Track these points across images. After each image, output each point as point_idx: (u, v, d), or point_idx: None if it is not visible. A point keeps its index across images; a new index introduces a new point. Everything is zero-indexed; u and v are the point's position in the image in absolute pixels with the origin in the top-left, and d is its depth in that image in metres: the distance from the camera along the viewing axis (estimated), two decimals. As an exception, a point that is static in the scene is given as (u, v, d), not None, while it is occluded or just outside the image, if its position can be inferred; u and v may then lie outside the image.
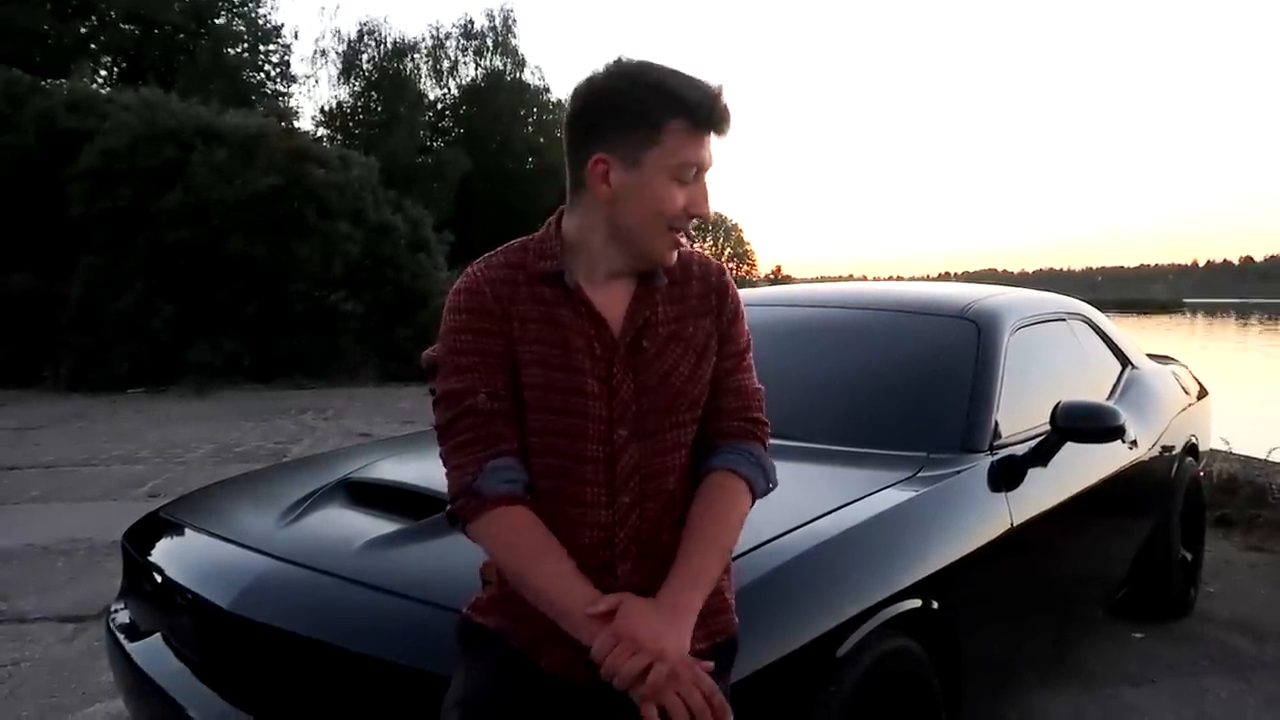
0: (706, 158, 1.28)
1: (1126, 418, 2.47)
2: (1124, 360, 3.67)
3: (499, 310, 1.30)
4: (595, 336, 1.30)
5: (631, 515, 1.30)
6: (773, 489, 1.41)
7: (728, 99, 1.27)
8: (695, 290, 1.38)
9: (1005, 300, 2.95)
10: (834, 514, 1.87)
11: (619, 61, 1.28)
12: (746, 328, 1.44)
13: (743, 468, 1.36)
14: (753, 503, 1.39)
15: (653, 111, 1.24)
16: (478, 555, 1.40)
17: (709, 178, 1.31)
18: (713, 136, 1.28)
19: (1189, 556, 3.80)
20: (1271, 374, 20.81)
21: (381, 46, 31.74)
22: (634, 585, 1.28)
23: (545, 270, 1.32)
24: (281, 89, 26.41)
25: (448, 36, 32.87)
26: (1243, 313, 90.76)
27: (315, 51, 32.22)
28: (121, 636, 2.10)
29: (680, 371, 1.33)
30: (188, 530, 2.19)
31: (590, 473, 1.30)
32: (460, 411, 1.29)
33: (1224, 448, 5.80)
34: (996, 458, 2.33)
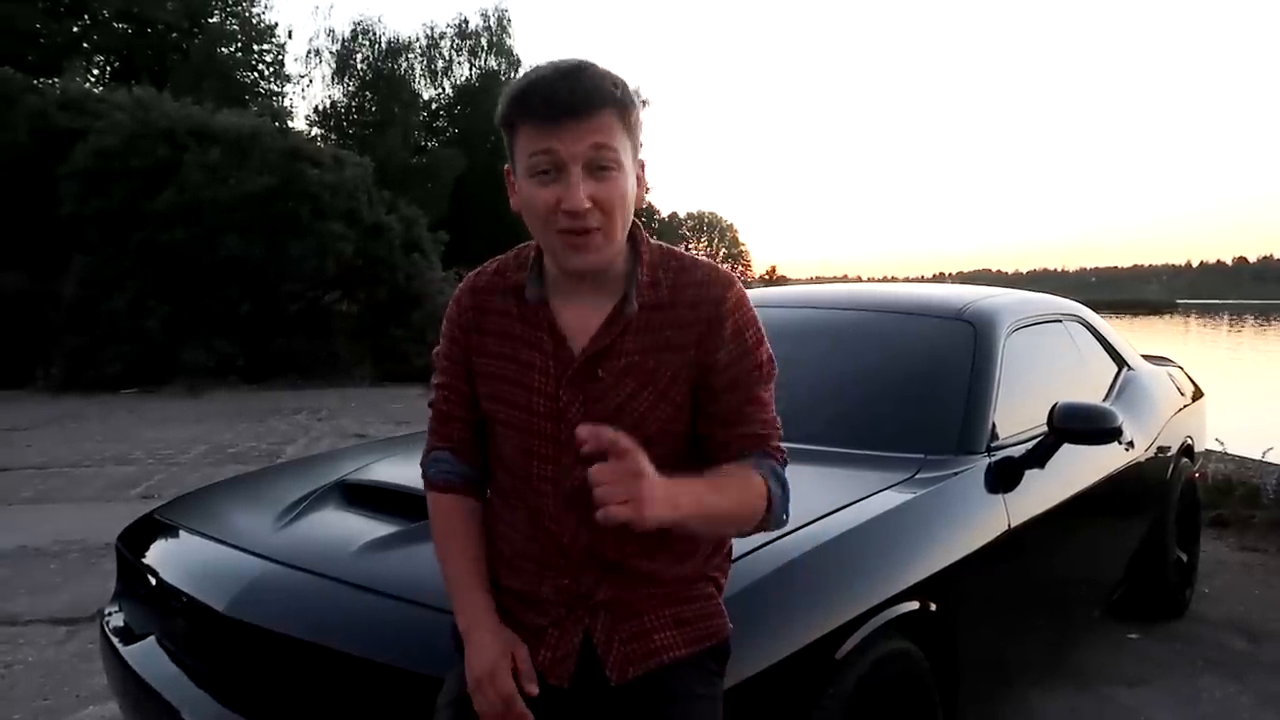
0: (561, 147, 1.14)
1: (1123, 419, 2.48)
2: (1120, 361, 3.68)
3: (465, 322, 1.34)
4: (551, 355, 1.27)
5: (581, 533, 1.27)
6: (784, 521, 1.33)
7: (571, 79, 1.14)
8: (678, 318, 1.27)
9: (1001, 302, 2.95)
10: (831, 516, 1.87)
11: None
12: (761, 359, 1.29)
13: (761, 469, 1.27)
14: (766, 513, 1.28)
15: (503, 116, 1.20)
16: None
17: (571, 169, 1.16)
18: (626, 124, 1.17)
19: (1184, 557, 3.80)
20: (1266, 375, 20.89)
21: (376, 46, 31.76)
22: (604, 596, 1.28)
23: (515, 283, 1.31)
24: (275, 88, 26.36)
25: (442, 36, 32.92)
26: (1236, 314, 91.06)
27: (309, 51, 32.31)
28: (115, 639, 2.08)
29: (636, 406, 1.25)
30: (182, 532, 2.18)
31: (540, 486, 1.29)
32: (431, 403, 1.42)
33: (1219, 448, 5.81)
34: (993, 459, 2.33)
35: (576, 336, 1.26)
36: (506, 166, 1.25)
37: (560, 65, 1.18)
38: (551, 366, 1.27)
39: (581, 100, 1.14)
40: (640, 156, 1.25)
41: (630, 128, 1.20)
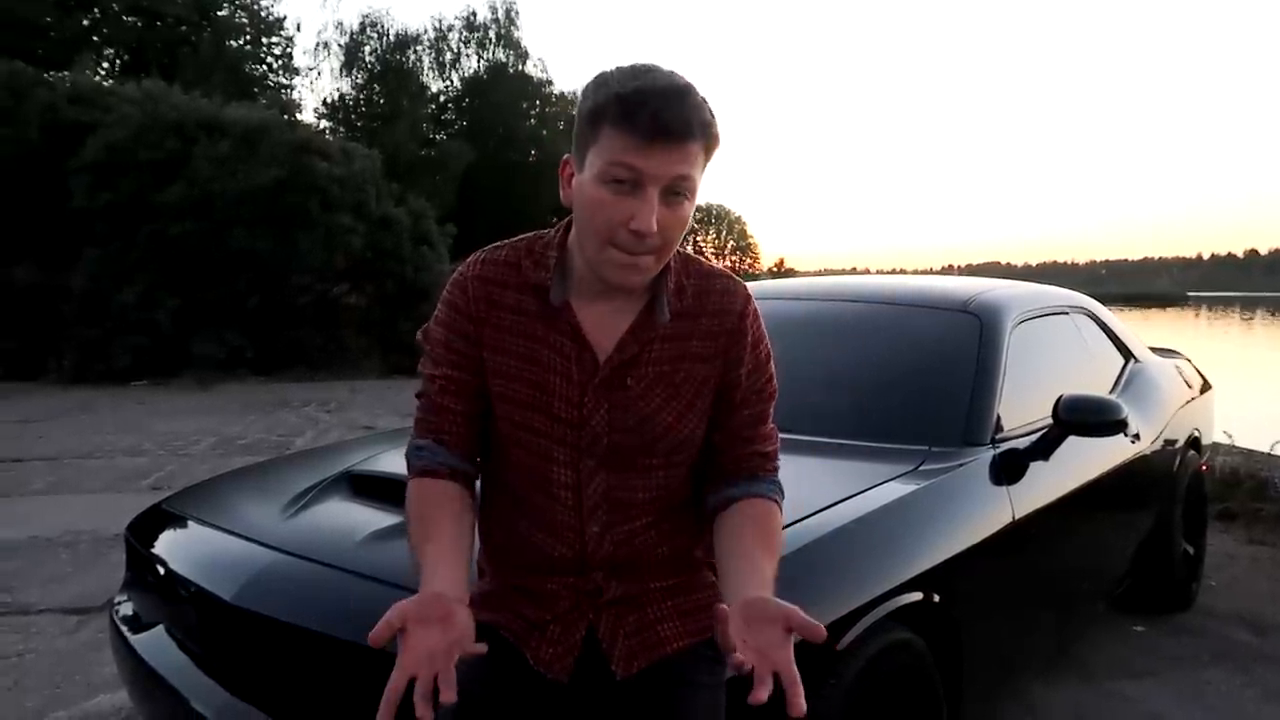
0: (648, 168, 1.10)
1: (1129, 411, 2.47)
2: (1126, 354, 3.66)
3: (473, 312, 1.26)
4: (575, 359, 1.23)
5: (604, 542, 1.27)
6: None
7: (680, 103, 1.10)
8: (703, 328, 1.26)
9: (1007, 294, 2.95)
10: (835, 507, 1.87)
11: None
12: (770, 374, 1.31)
13: (772, 492, 1.29)
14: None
15: (594, 109, 1.13)
16: (475, 548, 1.41)
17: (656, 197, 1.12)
18: (696, 152, 1.13)
19: (1191, 550, 3.79)
20: (1275, 368, 20.76)
21: (384, 39, 31.76)
22: (617, 596, 1.29)
23: (535, 281, 1.24)
24: (284, 81, 26.43)
25: (450, 29, 32.90)
26: (1247, 306, 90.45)
27: (317, 44, 32.38)
28: (125, 628, 2.10)
29: (663, 418, 1.25)
30: (191, 522, 2.20)
31: (559, 494, 1.26)
32: (421, 390, 1.31)
33: (1227, 441, 5.79)
34: (998, 451, 2.33)
35: (600, 342, 1.24)
36: (566, 157, 1.20)
37: (671, 81, 1.12)
38: (574, 372, 1.23)
39: (680, 128, 1.10)
40: None
41: (709, 159, 1.18)
